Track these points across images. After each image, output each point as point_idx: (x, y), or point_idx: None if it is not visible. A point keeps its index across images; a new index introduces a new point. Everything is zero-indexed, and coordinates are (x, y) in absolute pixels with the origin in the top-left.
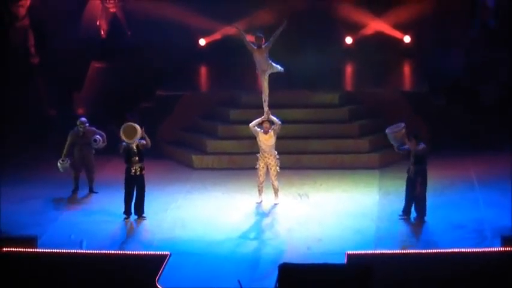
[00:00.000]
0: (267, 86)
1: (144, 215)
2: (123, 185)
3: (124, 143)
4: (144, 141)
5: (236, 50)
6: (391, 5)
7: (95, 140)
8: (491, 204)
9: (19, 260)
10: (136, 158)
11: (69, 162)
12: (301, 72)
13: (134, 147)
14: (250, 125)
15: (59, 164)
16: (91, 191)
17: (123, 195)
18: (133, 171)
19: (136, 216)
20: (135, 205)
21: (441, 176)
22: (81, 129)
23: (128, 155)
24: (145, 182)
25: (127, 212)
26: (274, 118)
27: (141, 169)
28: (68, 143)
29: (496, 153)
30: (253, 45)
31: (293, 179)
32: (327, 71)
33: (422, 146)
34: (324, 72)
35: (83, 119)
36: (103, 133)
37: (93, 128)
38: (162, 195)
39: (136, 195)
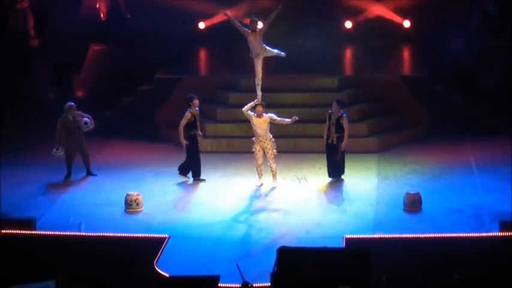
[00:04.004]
0: (261, 69)
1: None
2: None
3: (188, 112)
4: None
5: (235, 34)
6: None
7: (86, 123)
8: (489, 189)
9: (17, 242)
10: (198, 124)
11: (62, 150)
12: (301, 56)
13: (197, 115)
14: (243, 109)
15: (53, 153)
16: (89, 173)
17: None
18: (199, 138)
19: (194, 179)
20: (196, 169)
21: (440, 161)
22: (71, 113)
23: (193, 123)
24: (145, 165)
25: (199, 174)
26: (281, 119)
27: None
28: (59, 130)
29: (494, 138)
30: (246, 29)
31: (292, 163)
32: (327, 55)
33: (345, 118)
34: (323, 56)
35: (72, 103)
36: (89, 115)
37: (80, 112)
38: (161, 178)
39: (198, 159)
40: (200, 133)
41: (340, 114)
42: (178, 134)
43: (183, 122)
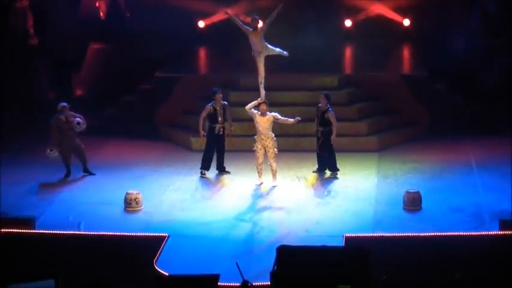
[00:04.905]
0: (263, 68)
1: (226, 169)
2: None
3: (209, 105)
4: None
5: (235, 32)
6: None
7: (78, 123)
8: (489, 188)
9: (17, 241)
10: (220, 118)
11: (56, 151)
12: (301, 55)
13: (219, 109)
14: (247, 107)
15: (47, 154)
16: (87, 172)
17: (203, 152)
18: (217, 130)
19: (218, 172)
20: (218, 162)
21: (440, 160)
22: (64, 114)
23: (213, 116)
24: (144, 163)
25: (205, 167)
26: (284, 118)
27: (224, 129)
28: (53, 131)
29: (494, 137)
30: (248, 27)
31: (292, 161)
32: (327, 54)
33: (331, 112)
34: (323, 55)
35: (65, 103)
36: (81, 115)
37: (72, 112)
38: (161, 177)
39: (219, 152)
40: (232, 129)
41: (326, 108)
42: (198, 125)
43: (202, 114)
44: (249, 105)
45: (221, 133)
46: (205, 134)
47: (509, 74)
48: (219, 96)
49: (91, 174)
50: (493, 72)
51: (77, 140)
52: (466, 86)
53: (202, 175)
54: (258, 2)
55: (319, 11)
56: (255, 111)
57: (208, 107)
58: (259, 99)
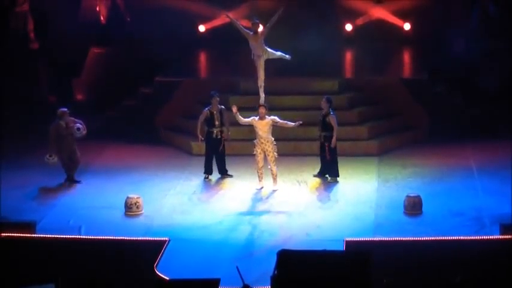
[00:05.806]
0: (263, 71)
1: (228, 173)
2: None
3: (206, 109)
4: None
5: (236, 36)
6: None
7: (78, 129)
8: (490, 192)
9: (18, 245)
10: (217, 122)
11: (56, 157)
12: (301, 59)
13: (216, 113)
14: (239, 122)
15: (46, 160)
16: (71, 179)
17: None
18: (214, 134)
19: (220, 176)
20: (219, 166)
21: (440, 164)
22: (63, 119)
23: (211, 120)
24: (145, 167)
25: (208, 171)
26: (283, 121)
27: (222, 132)
28: (52, 137)
29: (495, 141)
30: (248, 31)
31: (292, 166)
32: (327, 58)
33: (332, 116)
34: (323, 59)
35: (65, 109)
36: (81, 121)
37: (72, 118)
38: (161, 181)
39: (218, 156)
40: (229, 133)
41: (327, 112)
42: (196, 130)
43: (200, 118)
44: (240, 121)
45: (219, 137)
46: (203, 138)
47: (509, 75)
48: (216, 100)
49: (76, 182)
50: (493, 74)
51: (75, 146)
52: (466, 88)
53: (206, 179)
54: (259, 5)
55: (319, 15)
56: (250, 119)
57: (205, 111)
58: (234, 109)
